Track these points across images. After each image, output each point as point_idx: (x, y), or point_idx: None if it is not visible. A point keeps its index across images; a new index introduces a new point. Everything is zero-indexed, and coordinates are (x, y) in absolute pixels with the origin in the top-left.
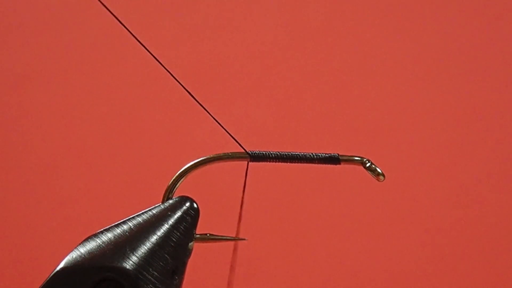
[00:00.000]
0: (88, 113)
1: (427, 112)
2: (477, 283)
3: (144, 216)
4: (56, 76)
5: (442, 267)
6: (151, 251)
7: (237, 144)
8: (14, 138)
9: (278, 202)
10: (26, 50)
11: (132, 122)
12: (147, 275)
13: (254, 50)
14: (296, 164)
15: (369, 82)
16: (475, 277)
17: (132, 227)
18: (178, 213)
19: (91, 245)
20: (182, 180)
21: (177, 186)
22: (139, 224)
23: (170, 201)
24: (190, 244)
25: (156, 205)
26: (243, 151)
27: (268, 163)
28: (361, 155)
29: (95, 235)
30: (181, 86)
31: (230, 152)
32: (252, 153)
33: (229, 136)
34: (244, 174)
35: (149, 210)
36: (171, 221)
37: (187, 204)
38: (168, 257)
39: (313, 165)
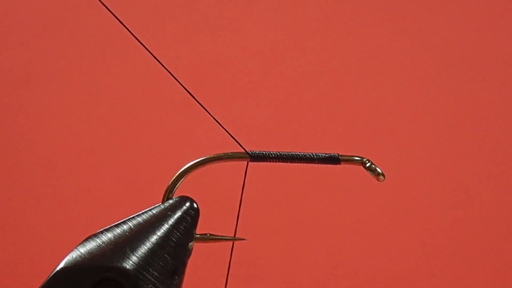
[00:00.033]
0: (88, 113)
1: (427, 112)
2: (477, 283)
3: (144, 216)
4: (56, 76)
5: (442, 267)
6: (151, 251)
7: (237, 144)
8: (14, 138)
9: (278, 202)
10: (26, 50)
11: (132, 122)
12: (147, 275)
13: (254, 50)
14: (296, 164)
15: (369, 82)
16: (475, 277)
17: (132, 227)
18: (178, 213)
19: (91, 245)
20: (182, 180)
21: (177, 186)
22: (139, 224)
23: (170, 201)
24: (190, 244)
25: (156, 205)
26: (243, 151)
27: (268, 163)
28: (361, 155)
29: (95, 235)
30: (181, 86)
31: (230, 152)
32: (252, 153)
33: (229, 136)
34: (244, 174)
35: (149, 210)
36: (171, 221)
37: (187, 204)
38: (168, 257)
39: (313, 165)
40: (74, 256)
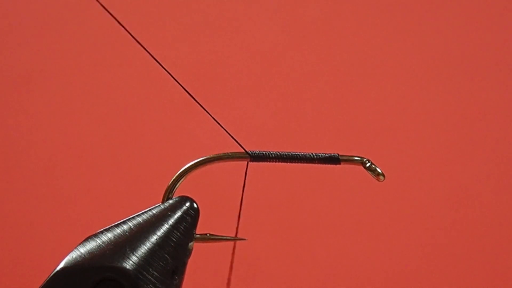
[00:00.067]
0: (88, 113)
1: (427, 112)
2: (477, 283)
3: (144, 216)
4: (56, 76)
5: (442, 267)
6: (151, 251)
7: (237, 144)
8: (14, 138)
9: (278, 202)
10: (26, 50)
11: (132, 122)
12: (147, 275)
13: (254, 50)
14: (296, 164)
15: (369, 82)
16: (475, 277)
17: (132, 227)
18: (178, 213)
19: (91, 245)
20: (182, 180)
21: (177, 186)
22: (139, 224)
23: (170, 201)
24: (190, 244)
25: (156, 205)
26: (243, 151)
27: (268, 163)
28: (361, 155)
29: (95, 235)
30: (181, 87)
31: (230, 152)
32: (252, 153)
33: (229, 136)
34: (244, 174)
35: (149, 210)
36: (171, 221)
37: (187, 204)
38: (168, 257)
39: (313, 165)
40: (74, 256)
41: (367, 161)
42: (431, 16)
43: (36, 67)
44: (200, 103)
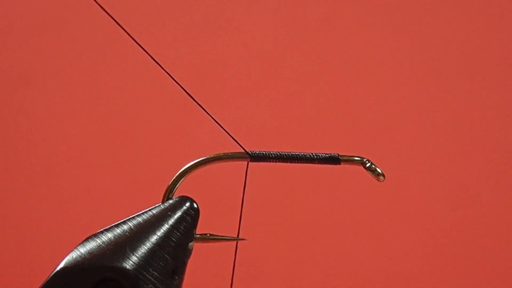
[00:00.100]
0: (88, 113)
1: (427, 112)
2: (477, 283)
3: (144, 216)
4: (56, 76)
5: (442, 267)
6: (151, 251)
7: (237, 144)
8: (14, 138)
9: (278, 202)
10: (26, 50)
11: (132, 122)
12: (147, 275)
13: (254, 50)
14: (296, 164)
15: (369, 82)
16: (475, 277)
17: (132, 227)
18: (178, 213)
19: (91, 245)
20: (182, 180)
21: (177, 186)
22: (139, 224)
23: (170, 201)
24: (190, 244)
25: (156, 205)
26: (243, 151)
27: (268, 163)
28: (361, 155)
29: (95, 235)
30: (180, 87)
31: (230, 152)
32: (252, 153)
33: (229, 136)
34: (244, 174)
35: (149, 210)
36: (171, 221)
37: (187, 204)
38: (168, 257)
39: (313, 165)
40: (74, 256)
41: (367, 161)
42: (431, 16)
43: (36, 67)
44: (200, 103)
